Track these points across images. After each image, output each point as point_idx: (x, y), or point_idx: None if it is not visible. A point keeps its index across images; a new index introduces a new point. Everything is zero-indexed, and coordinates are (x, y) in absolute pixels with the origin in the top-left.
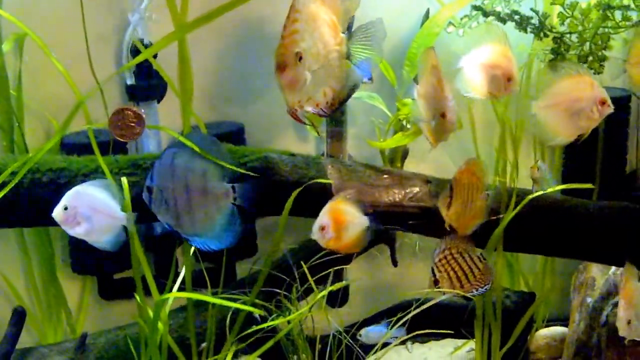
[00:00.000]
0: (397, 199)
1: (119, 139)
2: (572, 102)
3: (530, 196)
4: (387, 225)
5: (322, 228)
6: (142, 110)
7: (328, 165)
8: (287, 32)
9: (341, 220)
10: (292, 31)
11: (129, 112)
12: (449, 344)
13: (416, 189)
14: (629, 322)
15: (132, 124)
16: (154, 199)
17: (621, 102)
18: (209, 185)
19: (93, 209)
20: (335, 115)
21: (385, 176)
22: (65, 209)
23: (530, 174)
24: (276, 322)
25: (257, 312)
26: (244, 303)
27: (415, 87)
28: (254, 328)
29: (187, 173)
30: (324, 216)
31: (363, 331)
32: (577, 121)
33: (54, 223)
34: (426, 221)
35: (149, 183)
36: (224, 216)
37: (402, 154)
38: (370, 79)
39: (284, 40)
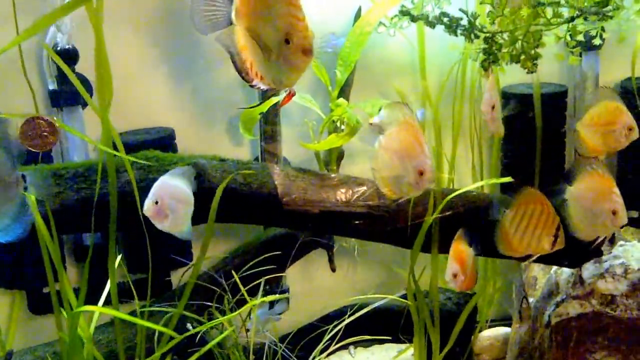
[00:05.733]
0: (345, 199)
1: (30, 149)
2: (606, 125)
3: (451, 196)
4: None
5: (455, 275)
6: (55, 119)
7: (275, 170)
8: (303, 15)
9: (465, 261)
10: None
11: (42, 121)
12: (392, 348)
13: (363, 188)
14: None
15: (45, 134)
16: None
17: (558, 97)
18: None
19: (176, 200)
20: (268, 117)
21: (332, 176)
22: (156, 203)
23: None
24: (202, 328)
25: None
26: (171, 316)
27: (377, 138)
28: (180, 338)
29: None
30: (454, 264)
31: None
32: (608, 141)
33: None
34: (374, 222)
35: None
36: (13, 206)
37: (337, 155)
38: None
39: (305, 22)
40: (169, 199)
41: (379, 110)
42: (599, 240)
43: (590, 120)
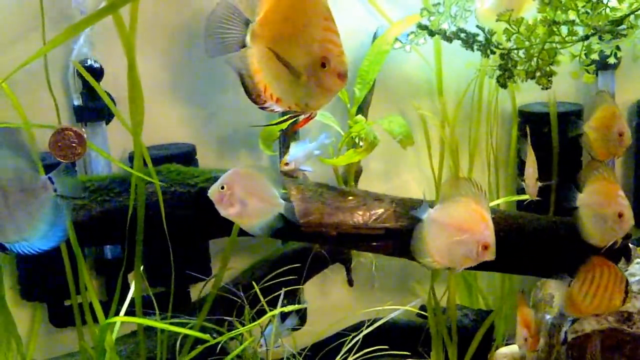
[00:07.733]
0: (362, 221)
1: (60, 159)
2: (604, 129)
3: None
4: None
5: (526, 339)
6: (84, 130)
7: (292, 189)
8: (339, 40)
9: (531, 324)
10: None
11: (70, 132)
12: None
13: (381, 210)
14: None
15: (74, 144)
16: None
17: (574, 116)
18: (24, 181)
19: (249, 193)
20: (287, 140)
21: (350, 197)
22: (222, 188)
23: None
24: (222, 338)
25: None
26: (192, 327)
27: (427, 209)
28: (201, 348)
29: None
30: (522, 329)
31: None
32: (608, 145)
33: None
34: (391, 242)
35: None
36: (47, 211)
37: (355, 172)
38: None
39: (341, 47)
40: (238, 189)
41: (287, 148)
42: (609, 244)
43: (594, 123)
